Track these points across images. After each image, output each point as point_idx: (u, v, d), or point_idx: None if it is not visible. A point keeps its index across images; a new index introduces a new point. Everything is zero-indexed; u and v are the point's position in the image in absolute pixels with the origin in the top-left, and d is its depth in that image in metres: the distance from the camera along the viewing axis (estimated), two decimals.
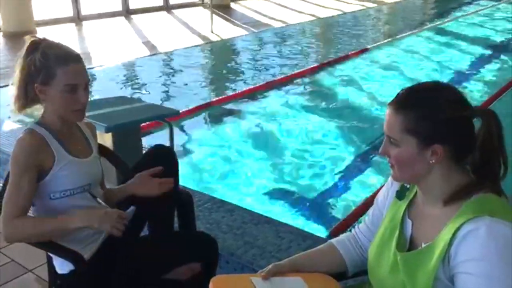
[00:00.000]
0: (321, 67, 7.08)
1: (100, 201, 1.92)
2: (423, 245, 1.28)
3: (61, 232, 1.75)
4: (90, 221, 1.71)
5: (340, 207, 3.56)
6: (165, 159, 2.11)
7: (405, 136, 1.26)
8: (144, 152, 3.08)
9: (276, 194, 3.70)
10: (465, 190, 1.25)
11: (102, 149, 2.11)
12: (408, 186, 1.41)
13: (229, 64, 7.69)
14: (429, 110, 1.25)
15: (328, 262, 1.55)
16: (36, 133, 1.77)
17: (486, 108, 1.28)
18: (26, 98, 1.79)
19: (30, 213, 1.82)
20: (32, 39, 1.78)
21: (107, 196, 1.99)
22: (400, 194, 1.42)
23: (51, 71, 1.72)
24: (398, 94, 1.31)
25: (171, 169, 2.11)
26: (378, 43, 8.47)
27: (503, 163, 1.26)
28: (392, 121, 1.28)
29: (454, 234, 1.19)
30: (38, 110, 1.85)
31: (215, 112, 5.40)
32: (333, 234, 2.93)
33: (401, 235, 1.36)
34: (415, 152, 1.26)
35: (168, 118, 3.41)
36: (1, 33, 8.86)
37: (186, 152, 4.34)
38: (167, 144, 3.22)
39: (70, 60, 1.74)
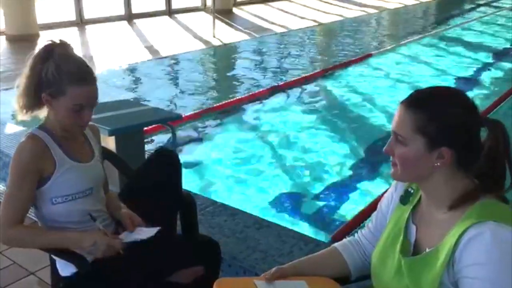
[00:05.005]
0: (324, 72, 7.09)
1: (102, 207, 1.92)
2: (428, 250, 1.28)
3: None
4: (80, 248, 1.73)
5: (342, 212, 3.55)
6: (168, 163, 2.11)
7: (414, 135, 1.26)
8: (147, 155, 3.09)
9: (278, 199, 3.70)
10: (470, 196, 1.25)
11: (105, 152, 2.11)
12: (412, 191, 1.41)
13: (231, 69, 7.70)
14: (442, 112, 1.25)
15: (331, 266, 1.54)
16: (37, 138, 1.75)
17: (495, 119, 1.28)
18: (33, 103, 1.77)
19: (32, 214, 1.83)
20: (48, 42, 1.73)
21: (106, 201, 1.98)
22: (404, 199, 1.42)
23: (62, 88, 1.68)
24: (411, 94, 1.32)
25: (174, 173, 2.11)
26: (380, 50, 8.48)
27: (510, 172, 1.26)
28: (402, 119, 1.28)
29: (458, 239, 1.19)
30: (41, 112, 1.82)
31: (217, 116, 5.40)
32: (335, 238, 2.92)
33: (405, 240, 1.35)
34: (422, 153, 1.26)
35: (170, 122, 3.42)
36: (5, 36, 8.88)
37: (189, 156, 4.34)
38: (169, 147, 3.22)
39: (84, 82, 1.71)
